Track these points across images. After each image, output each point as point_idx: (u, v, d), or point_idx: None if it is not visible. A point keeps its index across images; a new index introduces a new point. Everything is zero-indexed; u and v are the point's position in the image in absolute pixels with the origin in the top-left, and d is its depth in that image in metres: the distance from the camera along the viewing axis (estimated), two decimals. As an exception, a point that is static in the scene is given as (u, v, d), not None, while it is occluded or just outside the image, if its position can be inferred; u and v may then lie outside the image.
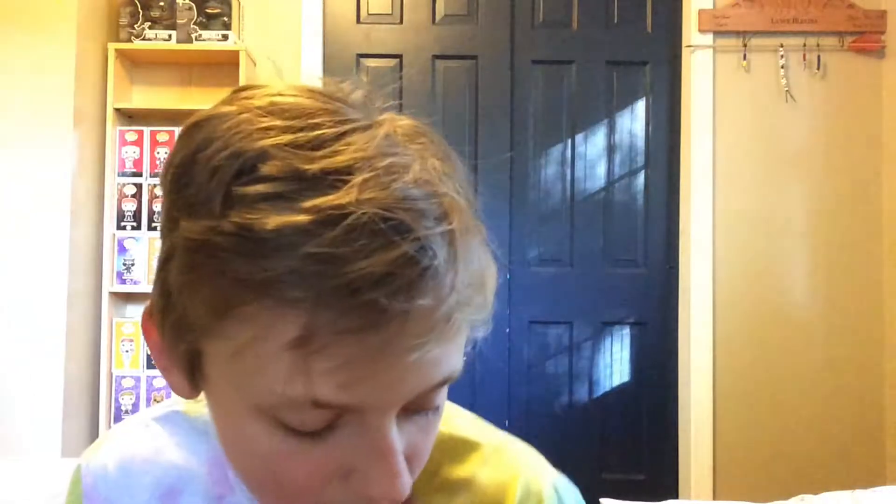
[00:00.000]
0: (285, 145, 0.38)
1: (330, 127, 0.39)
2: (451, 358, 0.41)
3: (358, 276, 0.36)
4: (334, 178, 0.37)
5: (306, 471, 0.41)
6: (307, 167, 0.37)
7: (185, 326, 0.41)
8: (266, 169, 0.38)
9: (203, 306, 0.39)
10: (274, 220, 0.36)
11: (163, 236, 0.43)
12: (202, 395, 0.54)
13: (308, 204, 0.36)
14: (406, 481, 0.41)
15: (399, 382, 0.39)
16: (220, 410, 0.43)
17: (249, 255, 0.37)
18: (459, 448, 0.55)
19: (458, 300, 0.39)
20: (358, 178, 0.37)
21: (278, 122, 0.39)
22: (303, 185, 0.37)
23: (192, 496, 0.54)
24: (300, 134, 0.39)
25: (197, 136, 0.41)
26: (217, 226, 0.38)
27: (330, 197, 0.36)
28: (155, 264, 2.26)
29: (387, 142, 0.40)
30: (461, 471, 0.54)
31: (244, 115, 0.40)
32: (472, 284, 0.40)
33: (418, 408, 0.42)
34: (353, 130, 0.40)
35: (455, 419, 0.56)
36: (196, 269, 0.39)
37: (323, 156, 0.38)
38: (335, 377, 0.37)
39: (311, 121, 0.39)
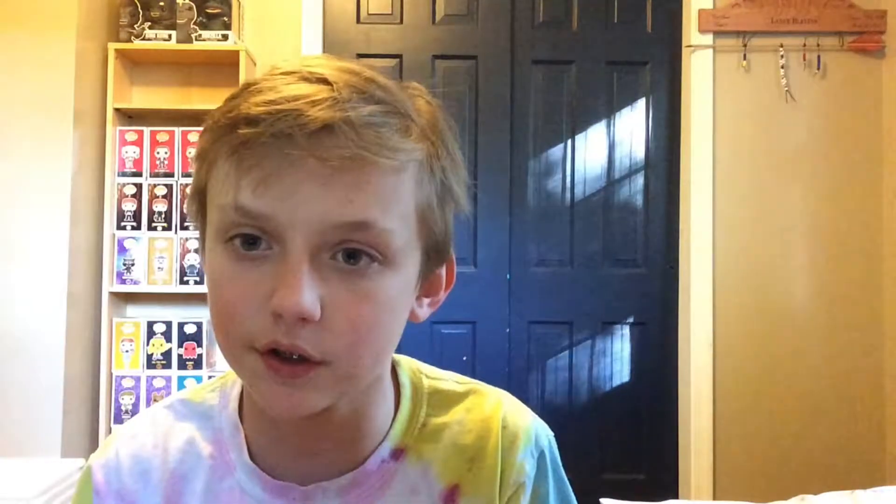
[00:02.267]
0: (280, 74, 0.51)
1: (322, 64, 0.51)
2: (367, 207, 0.49)
3: (279, 96, 0.48)
4: (300, 76, 0.50)
5: (242, 290, 0.50)
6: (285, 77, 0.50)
7: (201, 170, 0.54)
8: (260, 83, 0.51)
9: (206, 148, 0.52)
10: (244, 82, 0.52)
11: None
12: (202, 385, 0.66)
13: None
14: (306, 301, 0.47)
15: (307, 201, 0.48)
16: (206, 253, 0.54)
17: (223, 111, 0.51)
18: (444, 400, 0.62)
19: (365, 152, 0.48)
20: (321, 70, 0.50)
21: (291, 61, 0.52)
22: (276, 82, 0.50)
23: (196, 478, 0.60)
24: (298, 68, 0.51)
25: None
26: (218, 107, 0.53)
27: (291, 75, 0.50)
28: (155, 264, 2.29)
29: (357, 70, 0.52)
30: (446, 418, 0.61)
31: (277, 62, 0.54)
32: (382, 150, 0.49)
33: (340, 248, 0.49)
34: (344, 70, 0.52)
35: (442, 379, 0.64)
36: (205, 132, 0.53)
37: (301, 71, 0.50)
38: (253, 178, 0.48)
39: (309, 63, 0.52)
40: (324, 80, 0.49)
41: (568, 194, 2.88)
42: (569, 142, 2.89)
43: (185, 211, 2.61)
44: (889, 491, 1.53)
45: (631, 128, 2.90)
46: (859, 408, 2.75)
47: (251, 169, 0.48)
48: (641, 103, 2.90)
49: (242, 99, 0.49)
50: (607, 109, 2.89)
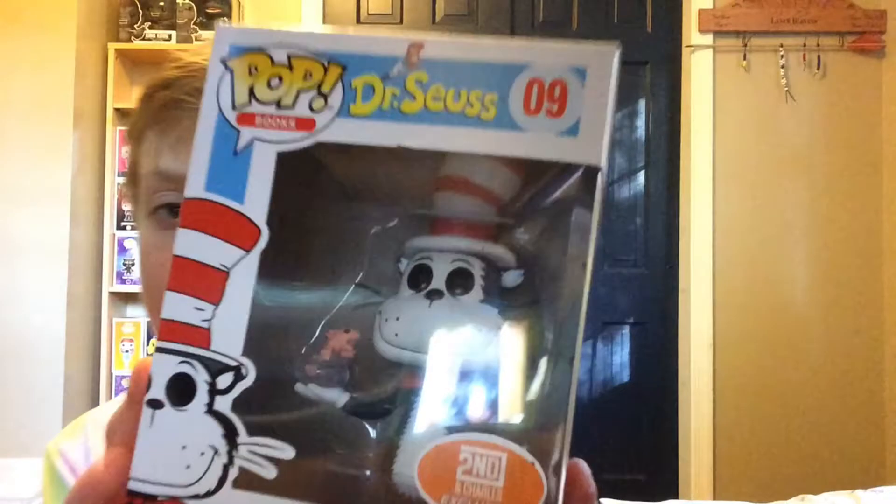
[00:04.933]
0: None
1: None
2: None
3: (194, 59, 0.48)
4: None
5: (166, 259, 0.48)
6: None
7: (131, 149, 0.54)
8: (184, 52, 0.51)
9: (133, 124, 0.53)
10: None
11: None
12: None
13: None
14: None
15: None
16: (138, 227, 0.54)
17: (146, 84, 0.52)
18: None
19: None
20: None
21: None
22: None
23: None
24: None
25: None
26: None
27: None
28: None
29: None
30: None
31: None
32: None
33: None
34: None
35: None
36: (133, 111, 0.53)
37: None
38: (171, 140, 0.47)
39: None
40: None
41: (568, 194, 2.88)
42: (569, 142, 2.89)
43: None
44: (889, 491, 1.53)
45: (631, 128, 2.90)
46: (859, 407, 2.75)
47: (169, 131, 0.48)
48: (641, 103, 2.90)
49: (163, 68, 0.50)
50: (607, 109, 2.89)
